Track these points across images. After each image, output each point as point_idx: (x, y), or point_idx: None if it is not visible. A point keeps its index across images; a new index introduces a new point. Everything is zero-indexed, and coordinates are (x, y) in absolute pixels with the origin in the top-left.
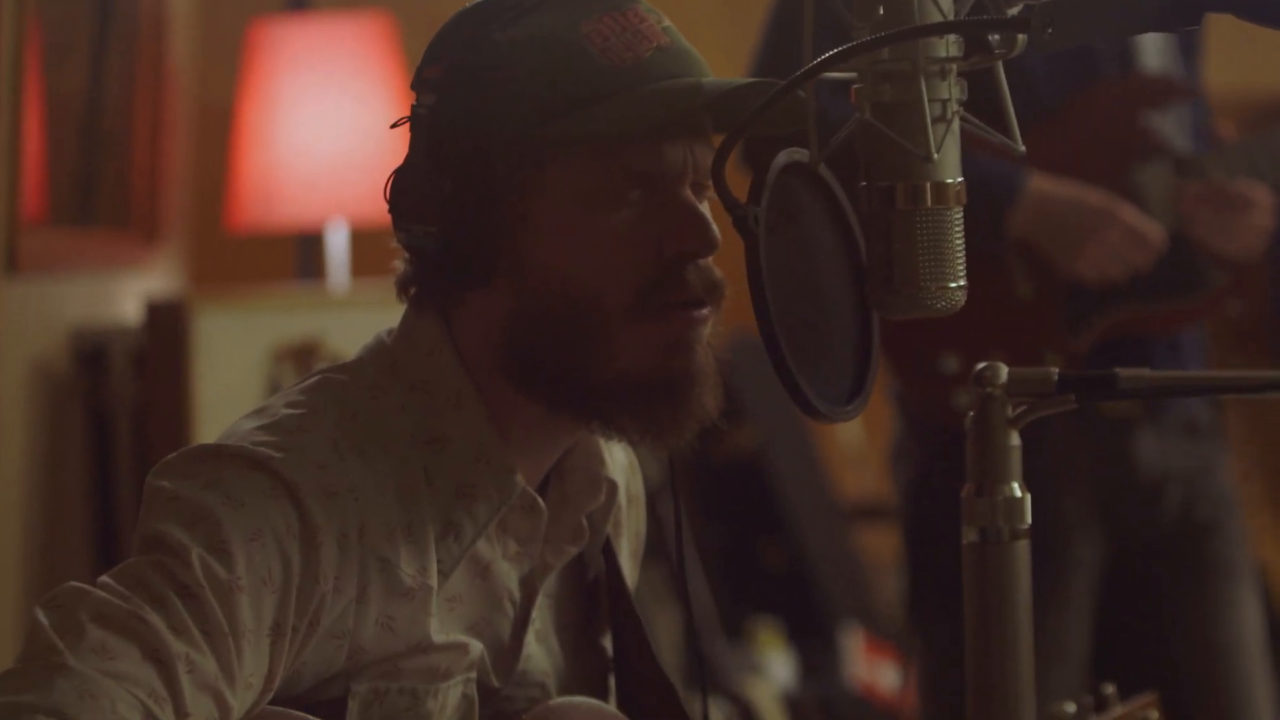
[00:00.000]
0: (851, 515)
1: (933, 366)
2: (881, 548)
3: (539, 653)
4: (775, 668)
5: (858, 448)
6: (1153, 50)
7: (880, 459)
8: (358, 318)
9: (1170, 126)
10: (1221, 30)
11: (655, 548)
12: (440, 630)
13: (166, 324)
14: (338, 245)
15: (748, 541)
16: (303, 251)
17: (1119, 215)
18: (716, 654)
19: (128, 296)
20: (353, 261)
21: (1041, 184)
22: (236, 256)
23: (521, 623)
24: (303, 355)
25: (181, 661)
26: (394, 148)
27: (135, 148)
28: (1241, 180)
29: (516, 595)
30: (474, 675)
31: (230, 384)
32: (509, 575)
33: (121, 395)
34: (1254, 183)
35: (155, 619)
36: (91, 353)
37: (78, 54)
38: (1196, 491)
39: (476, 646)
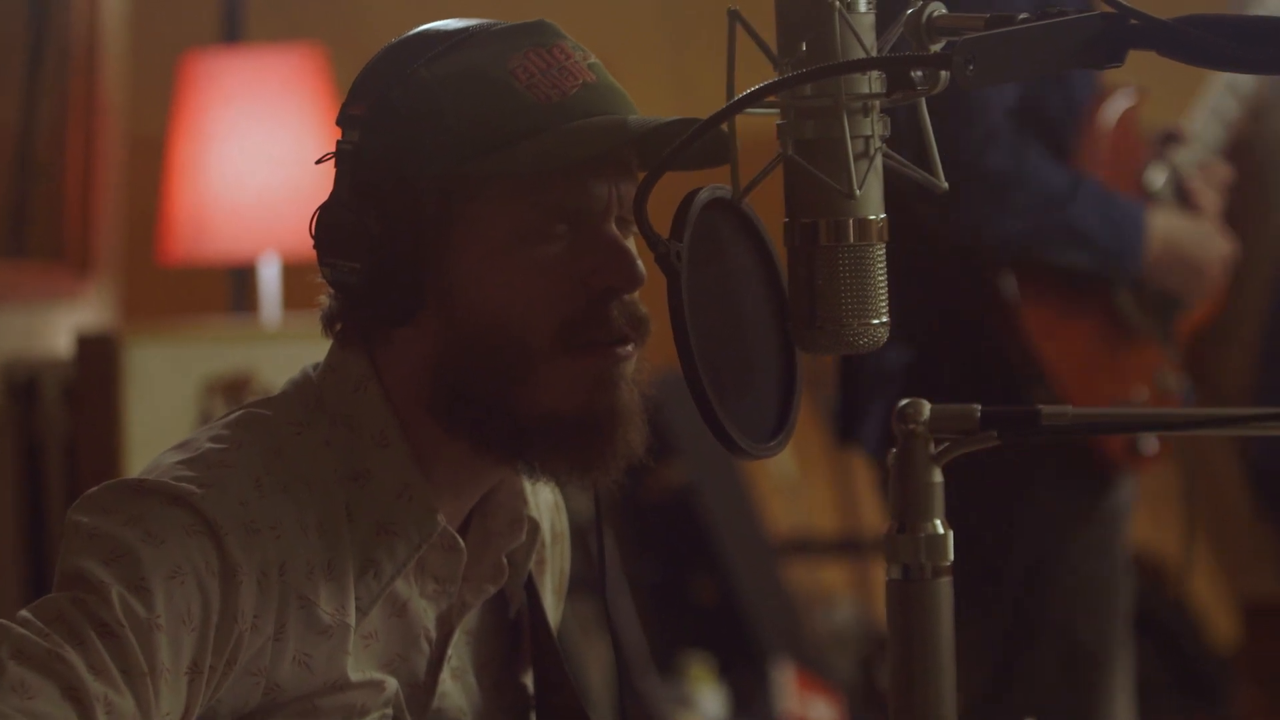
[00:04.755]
0: (783, 549)
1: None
2: (812, 581)
3: (455, 690)
4: (707, 702)
5: (789, 481)
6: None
7: (812, 492)
8: (290, 351)
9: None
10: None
11: (586, 583)
12: (356, 668)
13: (98, 356)
14: (270, 278)
15: (679, 576)
16: (235, 284)
17: (1223, 244)
18: (648, 689)
19: (59, 329)
20: (285, 294)
21: (1160, 219)
22: (168, 289)
23: (437, 660)
24: (234, 388)
25: (99, 702)
26: (327, 181)
27: (67, 180)
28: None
29: (433, 633)
30: (390, 713)
31: (162, 417)
32: (426, 613)
33: (52, 427)
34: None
35: (74, 658)
36: (22, 385)
37: (10, 85)
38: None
39: (392, 684)
